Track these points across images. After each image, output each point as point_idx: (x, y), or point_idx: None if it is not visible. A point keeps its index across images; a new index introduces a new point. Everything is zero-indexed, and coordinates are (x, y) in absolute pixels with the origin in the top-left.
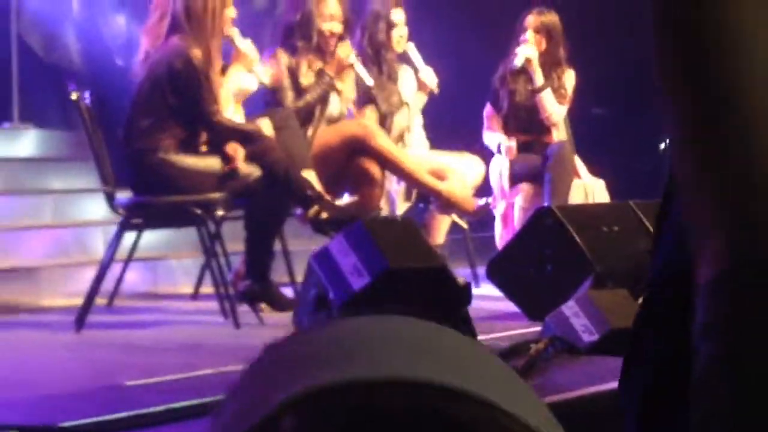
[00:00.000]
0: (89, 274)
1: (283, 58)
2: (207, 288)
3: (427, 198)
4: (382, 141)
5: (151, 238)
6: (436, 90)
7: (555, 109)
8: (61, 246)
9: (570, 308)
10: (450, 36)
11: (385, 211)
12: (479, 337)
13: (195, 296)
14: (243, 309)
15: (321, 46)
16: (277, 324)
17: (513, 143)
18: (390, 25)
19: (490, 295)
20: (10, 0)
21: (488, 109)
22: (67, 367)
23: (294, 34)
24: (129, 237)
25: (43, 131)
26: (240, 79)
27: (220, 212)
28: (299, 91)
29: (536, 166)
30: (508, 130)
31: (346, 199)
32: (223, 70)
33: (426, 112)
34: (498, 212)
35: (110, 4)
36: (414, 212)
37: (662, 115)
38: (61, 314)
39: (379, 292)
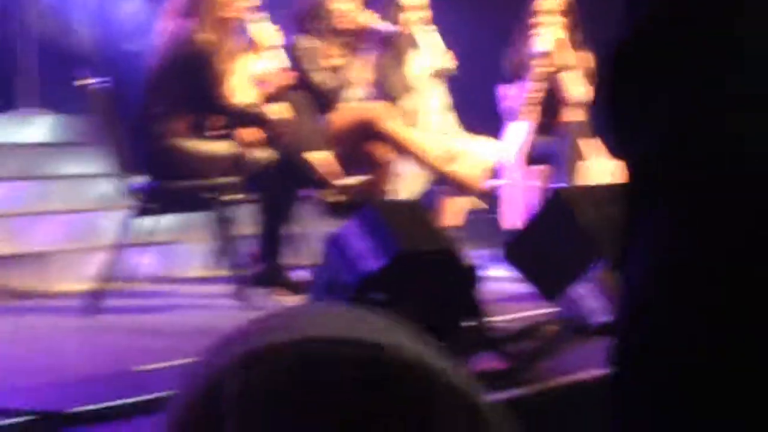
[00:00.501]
0: (100, 259)
1: (302, 42)
2: (220, 272)
3: (439, 181)
4: (391, 123)
5: (164, 222)
6: (452, 73)
7: (578, 90)
8: (73, 231)
9: (583, 290)
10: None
11: (397, 193)
12: (491, 319)
13: (208, 280)
14: (256, 292)
15: (336, 27)
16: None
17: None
18: (399, 9)
19: (506, 276)
20: None
21: (503, 90)
22: (80, 352)
23: (309, 18)
24: (141, 221)
25: (55, 116)
26: (252, 65)
27: (232, 196)
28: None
29: (554, 147)
30: (526, 111)
31: (359, 181)
32: (238, 55)
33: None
34: (508, 192)
35: None
36: (428, 194)
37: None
38: (74, 299)
39: (391, 276)
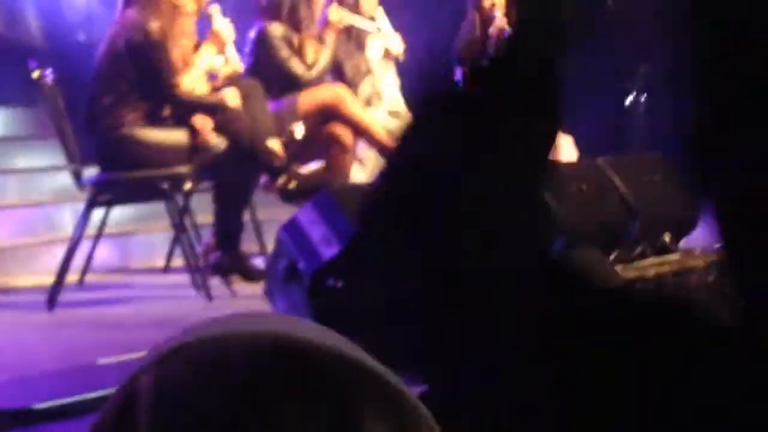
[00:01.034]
0: (58, 252)
1: (275, 29)
2: (178, 261)
3: None
4: (354, 107)
5: (120, 213)
6: (401, 56)
7: None
8: (28, 225)
9: None
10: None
11: (354, 177)
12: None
13: (166, 270)
14: (214, 281)
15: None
16: (248, 295)
17: None
18: None
19: None
20: None
21: (459, 72)
22: (40, 347)
23: (284, 8)
24: (97, 213)
25: (5, 109)
26: (211, 58)
27: (188, 185)
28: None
29: None
30: None
31: (313, 167)
32: (197, 47)
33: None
34: None
35: None
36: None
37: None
38: (32, 294)
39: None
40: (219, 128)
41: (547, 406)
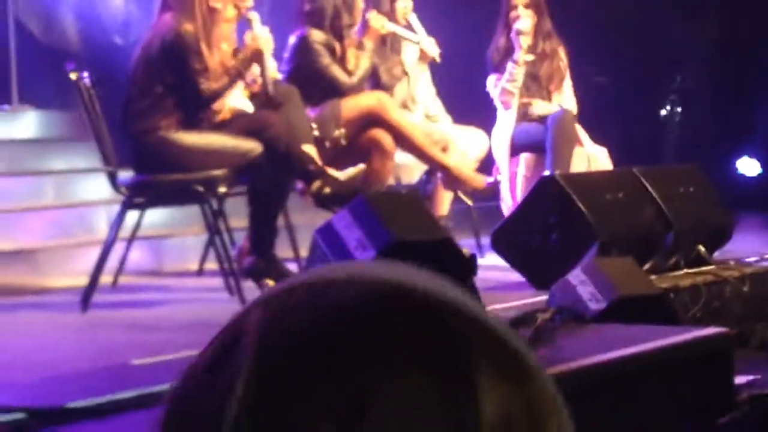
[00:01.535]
0: (92, 254)
1: (317, 36)
2: (211, 265)
3: (433, 171)
4: (397, 114)
5: (155, 216)
6: (438, 59)
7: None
8: (63, 227)
9: (576, 276)
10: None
11: (395, 183)
12: (487, 308)
13: (200, 274)
14: (248, 285)
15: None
16: None
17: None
18: None
19: (496, 265)
20: None
21: (492, 79)
22: (73, 347)
23: (327, 16)
24: (132, 216)
25: (42, 112)
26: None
27: (222, 189)
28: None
29: (538, 135)
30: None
31: (348, 173)
32: (235, 53)
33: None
34: (503, 182)
35: None
36: (418, 185)
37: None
38: (66, 295)
39: None
40: (254, 132)
41: None
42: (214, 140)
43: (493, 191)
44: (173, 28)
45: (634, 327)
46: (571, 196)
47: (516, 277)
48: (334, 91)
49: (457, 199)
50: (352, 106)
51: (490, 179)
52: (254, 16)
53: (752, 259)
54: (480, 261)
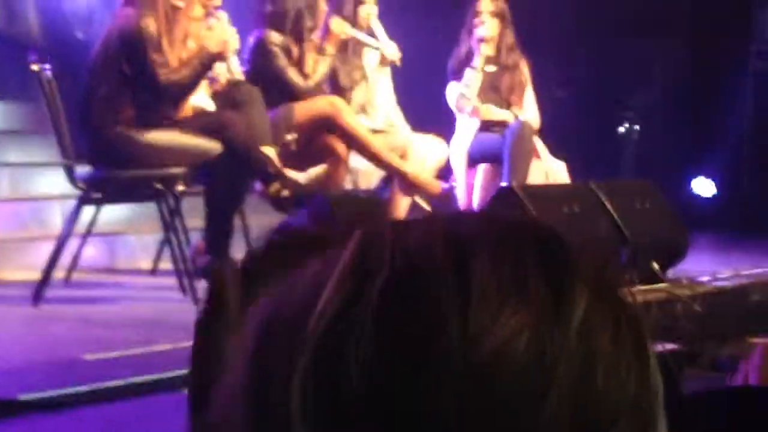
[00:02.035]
0: (47, 248)
1: (275, 38)
2: (166, 263)
3: (390, 177)
4: (351, 119)
5: (110, 213)
6: (398, 63)
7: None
8: (19, 220)
9: None
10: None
11: (350, 187)
12: None
13: (154, 272)
14: (202, 285)
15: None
16: None
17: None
18: (357, 2)
19: None
20: None
21: (452, 86)
22: (26, 340)
23: (287, 19)
24: (88, 211)
25: (1, 104)
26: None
27: (180, 187)
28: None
29: (496, 146)
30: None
31: (307, 175)
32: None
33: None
34: (460, 193)
35: None
36: (376, 190)
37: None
38: (18, 288)
39: None
40: (213, 132)
41: None
42: (174, 137)
43: (450, 197)
44: (133, 20)
45: None
46: (527, 208)
47: None
48: (290, 94)
49: (414, 205)
50: (306, 109)
51: (446, 185)
52: (222, 16)
53: (705, 278)
54: None
